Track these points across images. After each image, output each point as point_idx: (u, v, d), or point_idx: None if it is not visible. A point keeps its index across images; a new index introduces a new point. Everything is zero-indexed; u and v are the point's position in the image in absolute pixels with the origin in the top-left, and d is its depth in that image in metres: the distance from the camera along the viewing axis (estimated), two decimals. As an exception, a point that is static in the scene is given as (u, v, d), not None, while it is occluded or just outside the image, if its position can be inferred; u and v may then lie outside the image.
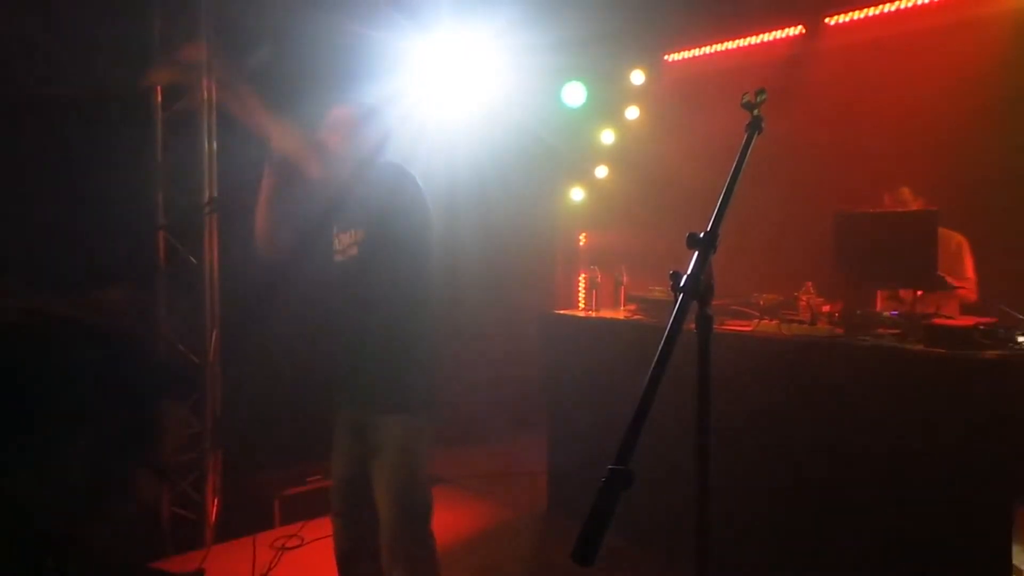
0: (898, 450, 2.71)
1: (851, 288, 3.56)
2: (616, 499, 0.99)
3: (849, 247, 3.28)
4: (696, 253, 1.26)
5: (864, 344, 2.89)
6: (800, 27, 4.92)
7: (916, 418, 2.67)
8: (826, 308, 3.27)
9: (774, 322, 3.24)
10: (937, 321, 2.84)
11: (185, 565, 3.37)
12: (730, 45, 5.30)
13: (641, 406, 1.07)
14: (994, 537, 2.49)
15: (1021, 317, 2.84)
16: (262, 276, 2.51)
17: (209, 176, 3.88)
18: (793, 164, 4.41)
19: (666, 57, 5.73)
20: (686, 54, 5.62)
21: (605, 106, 5.87)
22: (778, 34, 5.05)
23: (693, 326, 1.30)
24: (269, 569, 3.40)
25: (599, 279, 4.27)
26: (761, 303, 3.50)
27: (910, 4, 4.38)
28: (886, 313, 3.17)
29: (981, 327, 2.68)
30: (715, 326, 1.31)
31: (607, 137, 5.99)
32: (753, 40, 5.17)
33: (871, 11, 4.56)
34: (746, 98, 1.49)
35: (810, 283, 3.33)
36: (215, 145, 3.90)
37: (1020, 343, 2.67)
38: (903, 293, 3.39)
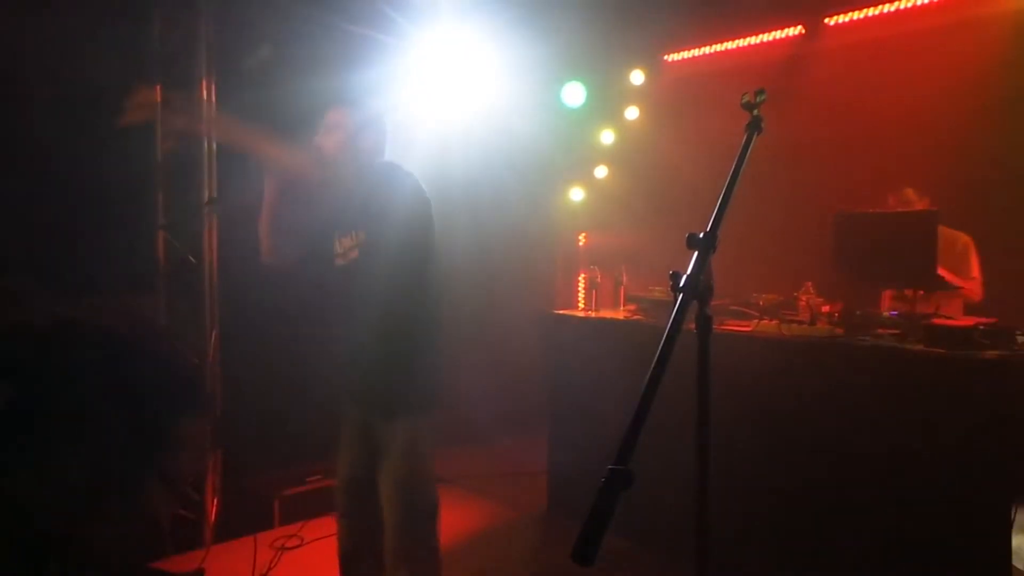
0: (898, 450, 2.71)
1: (851, 288, 3.57)
2: (616, 499, 0.99)
3: (849, 247, 3.28)
4: (696, 253, 1.26)
5: (864, 344, 2.89)
6: (800, 27, 4.92)
7: (916, 418, 2.67)
8: (826, 308, 3.27)
9: (774, 322, 3.24)
10: (937, 321, 2.84)
11: (185, 565, 3.37)
12: (730, 45, 5.30)
13: (641, 406, 1.07)
14: (994, 537, 2.50)
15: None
16: (262, 276, 2.51)
17: (209, 176, 3.88)
18: (792, 164, 4.41)
19: (666, 57, 5.74)
20: (686, 54, 5.62)
21: (605, 106, 5.87)
22: (778, 34, 5.05)
23: (693, 326, 1.30)
24: (269, 569, 3.40)
25: (599, 279, 4.27)
26: (761, 303, 3.50)
27: (910, 4, 4.38)
28: (886, 313, 3.17)
29: (981, 327, 2.68)
30: (715, 326, 1.31)
31: (607, 137, 5.99)
32: (753, 40, 5.17)
33: (871, 11, 4.56)
34: (746, 98, 1.49)
35: (810, 283, 3.33)
36: (215, 145, 3.90)
37: (1020, 343, 2.67)
38: (910, 292, 3.39)
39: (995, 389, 2.50)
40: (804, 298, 3.28)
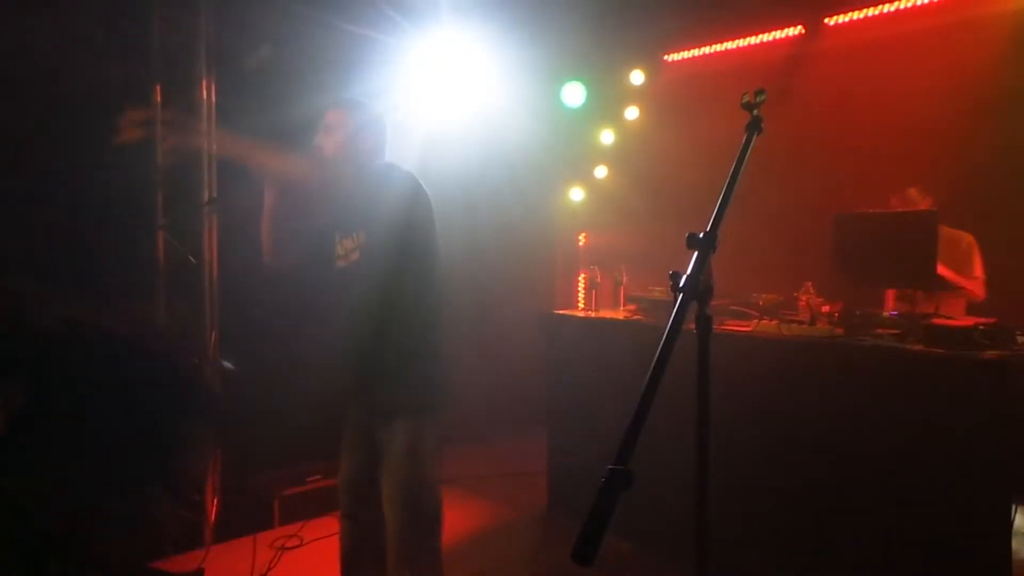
0: (898, 450, 2.71)
1: (851, 288, 3.57)
2: (616, 499, 0.99)
3: (849, 247, 3.29)
4: (696, 253, 1.26)
5: (864, 344, 2.89)
6: (800, 27, 4.92)
7: (916, 418, 2.67)
8: (825, 308, 3.27)
9: (774, 322, 3.24)
10: (937, 321, 2.84)
11: (185, 565, 3.37)
12: (730, 45, 5.30)
13: (641, 406, 1.07)
14: (994, 537, 2.49)
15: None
16: (262, 276, 2.51)
17: (209, 176, 3.88)
18: (792, 164, 4.41)
19: (666, 57, 5.73)
20: (686, 54, 5.62)
21: (605, 106, 5.87)
22: (778, 34, 5.05)
23: (693, 326, 1.30)
24: (268, 569, 3.40)
25: (599, 279, 4.27)
26: (761, 303, 3.50)
27: (910, 4, 4.38)
28: (887, 313, 3.17)
29: (981, 327, 2.68)
30: (715, 326, 1.31)
31: (607, 137, 5.99)
32: (753, 40, 5.17)
33: (871, 11, 4.56)
34: (746, 98, 1.49)
35: (810, 283, 3.33)
36: (215, 145, 3.90)
37: (1020, 343, 2.67)
38: (913, 292, 3.40)
39: (995, 389, 2.50)
40: (804, 298, 3.28)
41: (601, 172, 6.09)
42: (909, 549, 2.68)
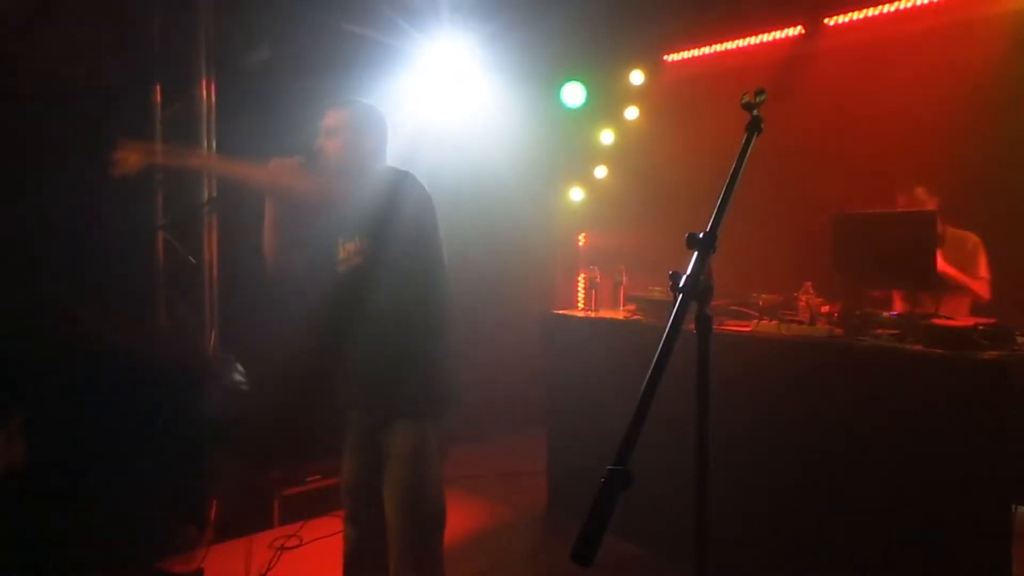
0: (897, 450, 2.71)
1: (852, 289, 3.57)
2: (615, 499, 0.99)
3: (848, 248, 3.28)
4: (695, 253, 1.26)
5: (863, 344, 2.89)
6: (800, 27, 4.92)
7: (915, 418, 2.67)
8: (825, 308, 3.27)
9: (773, 322, 3.24)
10: (936, 321, 2.84)
11: (185, 565, 3.37)
12: (730, 45, 5.30)
13: (640, 406, 1.07)
14: (994, 538, 2.49)
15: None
16: (262, 276, 2.51)
17: (209, 176, 3.88)
18: (792, 164, 4.41)
19: (666, 57, 5.73)
20: (686, 54, 5.62)
21: (604, 106, 5.87)
22: (778, 34, 5.05)
23: (692, 326, 1.30)
24: (268, 569, 3.40)
25: (599, 279, 4.27)
26: (760, 303, 3.50)
27: (910, 4, 4.38)
28: (885, 313, 3.17)
29: (981, 327, 2.68)
30: (714, 326, 1.31)
31: (607, 137, 5.99)
32: (753, 40, 5.17)
33: (871, 11, 4.56)
34: (745, 98, 1.49)
35: (809, 283, 3.33)
36: (215, 145, 3.90)
37: (1020, 343, 2.67)
38: (922, 296, 3.41)
39: (995, 389, 2.50)
40: (804, 298, 3.28)
41: (601, 172, 6.09)
42: (908, 549, 2.68)
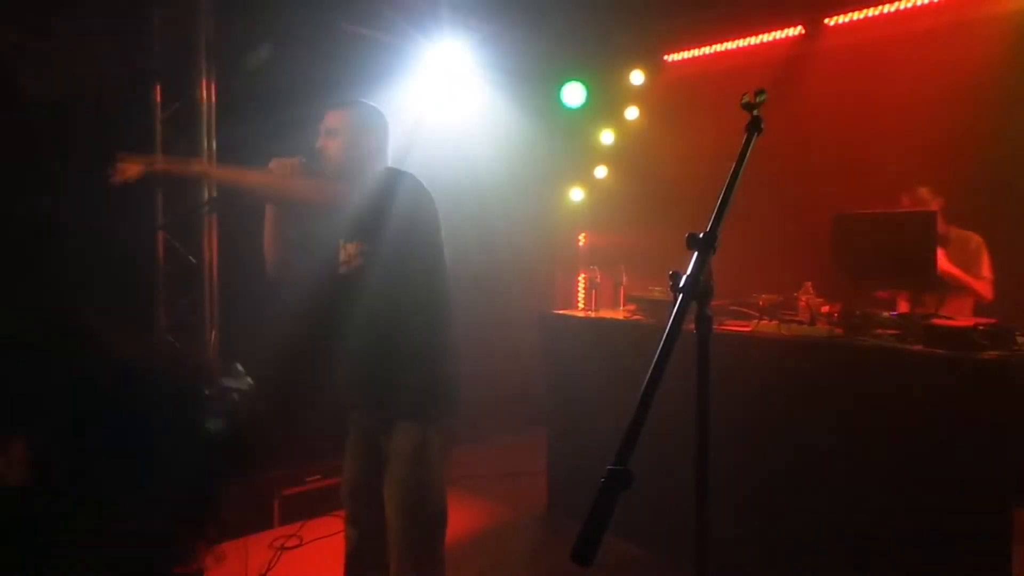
0: (897, 450, 2.71)
1: (852, 289, 3.57)
2: (615, 499, 0.99)
3: (848, 248, 3.28)
4: (695, 253, 1.26)
5: (863, 344, 2.89)
6: (800, 27, 4.92)
7: (916, 418, 2.67)
8: (825, 308, 3.27)
9: (773, 322, 3.24)
10: (936, 321, 2.84)
11: (184, 565, 3.37)
12: (730, 45, 5.30)
13: (640, 406, 1.07)
14: (994, 538, 2.49)
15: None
16: (262, 276, 2.51)
17: (209, 182, 3.88)
18: (792, 164, 4.41)
19: (666, 57, 5.74)
20: (686, 54, 5.62)
21: (605, 106, 5.87)
22: (778, 34, 5.05)
23: (692, 326, 1.30)
24: (268, 569, 3.40)
25: (599, 279, 4.27)
26: (760, 303, 3.50)
27: (910, 4, 4.38)
28: (885, 313, 3.17)
29: (980, 327, 2.68)
30: (714, 326, 1.31)
31: (607, 137, 5.99)
32: (753, 40, 5.17)
33: (871, 11, 4.56)
34: (746, 98, 1.48)
35: (809, 283, 3.33)
36: (215, 145, 3.90)
37: (1020, 343, 2.67)
38: (926, 297, 3.41)
39: (995, 389, 2.50)
40: (804, 298, 3.28)
41: (601, 172, 6.09)
42: (908, 550, 2.68)
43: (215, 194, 3.88)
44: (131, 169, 2.22)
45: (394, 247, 2.23)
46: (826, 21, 4.77)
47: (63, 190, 3.23)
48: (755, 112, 1.47)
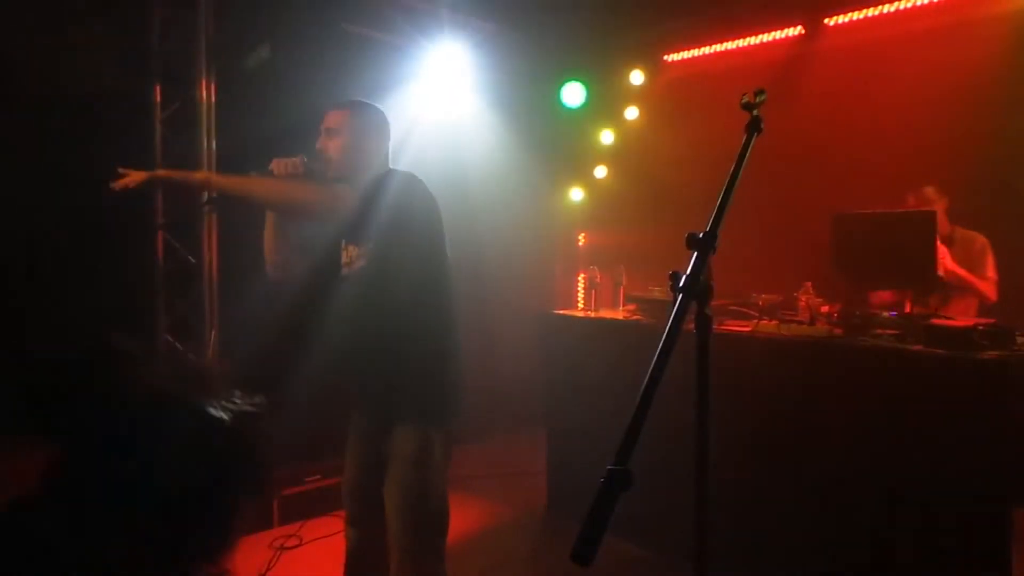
0: (897, 451, 2.71)
1: (852, 289, 3.57)
2: (615, 499, 0.99)
3: (848, 248, 3.28)
4: (695, 253, 1.26)
5: (863, 344, 2.89)
6: (800, 27, 4.92)
7: (915, 419, 2.67)
8: (825, 308, 3.27)
9: (773, 322, 3.24)
10: (936, 321, 2.84)
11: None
12: (730, 45, 5.30)
13: (640, 406, 1.07)
14: (993, 539, 2.49)
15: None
16: (262, 277, 2.50)
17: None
18: (792, 164, 4.41)
19: (666, 57, 5.73)
20: (686, 54, 5.62)
21: (604, 106, 5.87)
22: (778, 34, 5.05)
23: (692, 326, 1.30)
24: (267, 569, 3.40)
25: (598, 279, 4.27)
26: (760, 303, 3.50)
27: (910, 4, 4.38)
28: (885, 313, 3.17)
29: (980, 327, 2.68)
30: (714, 326, 1.31)
31: (606, 137, 5.99)
32: (753, 40, 5.17)
33: (871, 11, 4.56)
34: (745, 98, 1.48)
35: (809, 283, 3.33)
36: (215, 145, 3.90)
37: (1020, 343, 2.67)
38: (931, 298, 3.41)
39: (995, 389, 2.50)
40: (803, 298, 3.28)
41: (601, 172, 6.09)
42: (908, 550, 2.68)
43: (215, 194, 3.87)
44: (132, 179, 2.22)
45: (397, 249, 2.22)
46: (826, 21, 4.77)
47: (63, 190, 3.23)
48: (755, 112, 1.47)
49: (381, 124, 2.40)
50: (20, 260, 3.15)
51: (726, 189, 1.37)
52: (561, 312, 4.40)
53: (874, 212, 3.35)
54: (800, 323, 3.18)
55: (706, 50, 5.47)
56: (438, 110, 4.88)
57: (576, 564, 0.95)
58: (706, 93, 4.93)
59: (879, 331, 3.00)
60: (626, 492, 0.99)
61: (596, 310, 4.17)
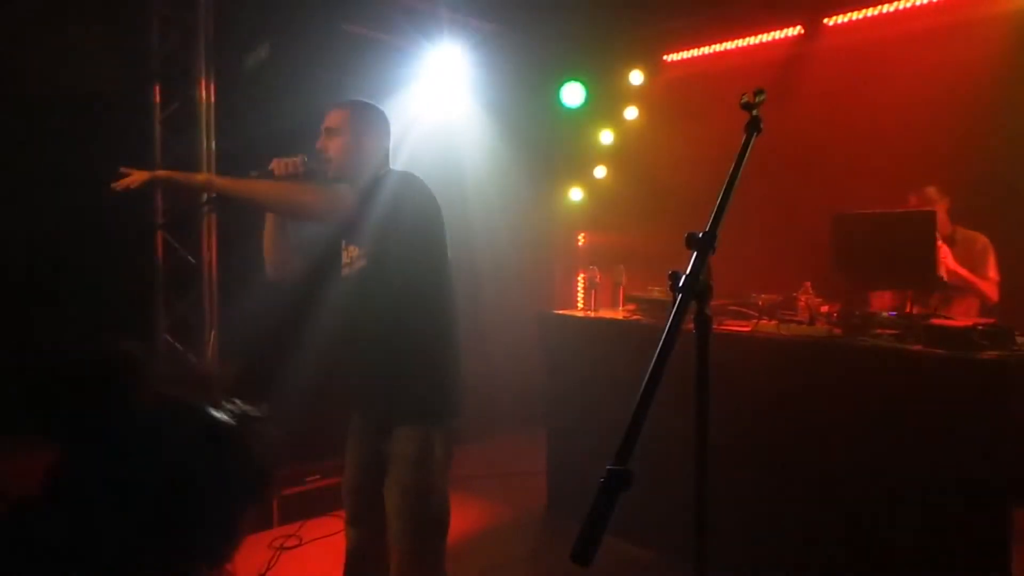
0: (896, 451, 2.71)
1: (852, 289, 3.57)
2: (615, 499, 0.99)
3: (848, 248, 3.28)
4: (695, 253, 1.26)
5: (862, 344, 2.89)
6: (799, 27, 4.92)
7: (915, 419, 2.67)
8: (824, 308, 3.27)
9: (773, 322, 3.24)
10: (936, 321, 2.84)
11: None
12: (729, 45, 5.31)
13: (640, 406, 1.07)
14: (993, 539, 2.49)
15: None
16: (262, 276, 2.50)
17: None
18: (791, 164, 4.41)
19: (665, 57, 5.74)
20: (685, 54, 5.62)
21: (604, 106, 5.87)
22: (777, 34, 5.05)
23: (692, 326, 1.30)
24: (267, 569, 3.40)
25: (598, 279, 4.27)
26: (760, 303, 3.50)
27: (910, 4, 4.38)
28: (885, 313, 3.17)
29: (980, 327, 2.68)
30: (714, 326, 1.31)
31: (606, 137, 5.99)
32: (753, 40, 5.18)
33: (870, 11, 4.56)
34: (745, 98, 1.49)
35: (809, 283, 3.33)
36: (214, 145, 3.90)
37: (1020, 343, 2.67)
38: (933, 298, 3.41)
39: (995, 389, 2.50)
40: (803, 298, 3.29)
41: (601, 172, 6.09)
42: (908, 550, 2.68)
43: (214, 194, 3.87)
44: (133, 179, 2.22)
45: (397, 248, 2.22)
46: (825, 21, 4.77)
47: (63, 190, 3.23)
48: (754, 112, 1.47)
49: (381, 124, 2.40)
50: (20, 260, 3.15)
51: (726, 189, 1.37)
52: (561, 312, 4.39)
53: (874, 212, 3.35)
54: (800, 323, 3.18)
55: (705, 50, 5.47)
56: (438, 110, 4.88)
57: (576, 564, 0.95)
58: (705, 93, 4.94)
59: (879, 331, 3.00)
60: (626, 492, 0.99)
61: (596, 310, 4.17)
